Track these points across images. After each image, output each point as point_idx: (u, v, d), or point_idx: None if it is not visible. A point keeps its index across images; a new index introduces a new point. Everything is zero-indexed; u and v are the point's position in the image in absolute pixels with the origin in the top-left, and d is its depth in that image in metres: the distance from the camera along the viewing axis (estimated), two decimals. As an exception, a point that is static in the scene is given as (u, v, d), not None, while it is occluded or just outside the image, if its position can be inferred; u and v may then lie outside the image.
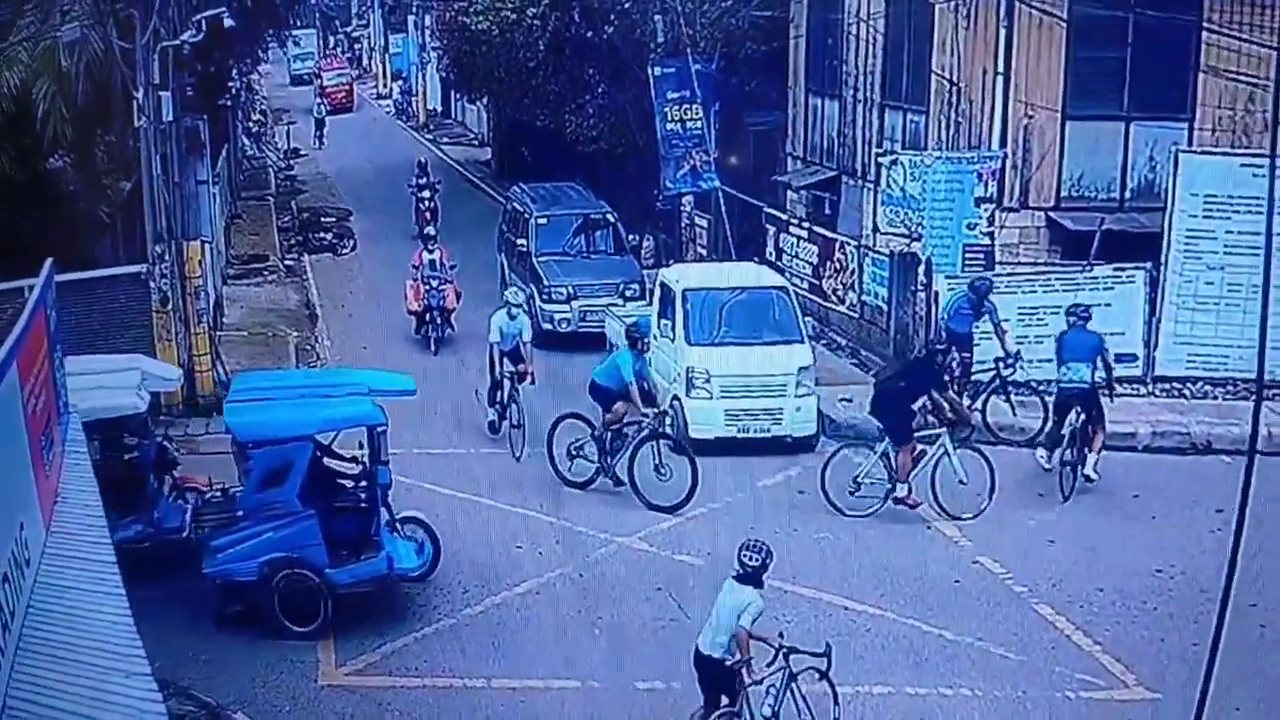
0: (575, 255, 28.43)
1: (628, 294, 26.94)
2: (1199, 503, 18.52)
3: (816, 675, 12.53)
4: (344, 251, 37.36)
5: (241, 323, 28.68)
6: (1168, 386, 22.90)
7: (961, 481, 18.33)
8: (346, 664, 14.81)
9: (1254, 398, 21.44)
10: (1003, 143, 24.36)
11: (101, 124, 23.91)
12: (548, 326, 26.83)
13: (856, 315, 25.60)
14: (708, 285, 22.36)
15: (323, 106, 62.32)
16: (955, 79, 24.77)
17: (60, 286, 13.66)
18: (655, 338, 22.22)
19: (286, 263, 35.08)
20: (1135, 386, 22.25)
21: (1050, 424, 20.01)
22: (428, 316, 27.04)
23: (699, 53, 29.79)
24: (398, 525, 16.40)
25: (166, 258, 22.11)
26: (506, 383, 21.66)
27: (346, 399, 16.33)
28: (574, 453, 19.60)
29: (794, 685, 12.43)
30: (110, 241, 25.76)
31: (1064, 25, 24.05)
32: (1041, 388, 21.18)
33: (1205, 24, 23.86)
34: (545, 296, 27.13)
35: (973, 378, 21.61)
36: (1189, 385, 22.75)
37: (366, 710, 14.01)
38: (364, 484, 16.44)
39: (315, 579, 15.45)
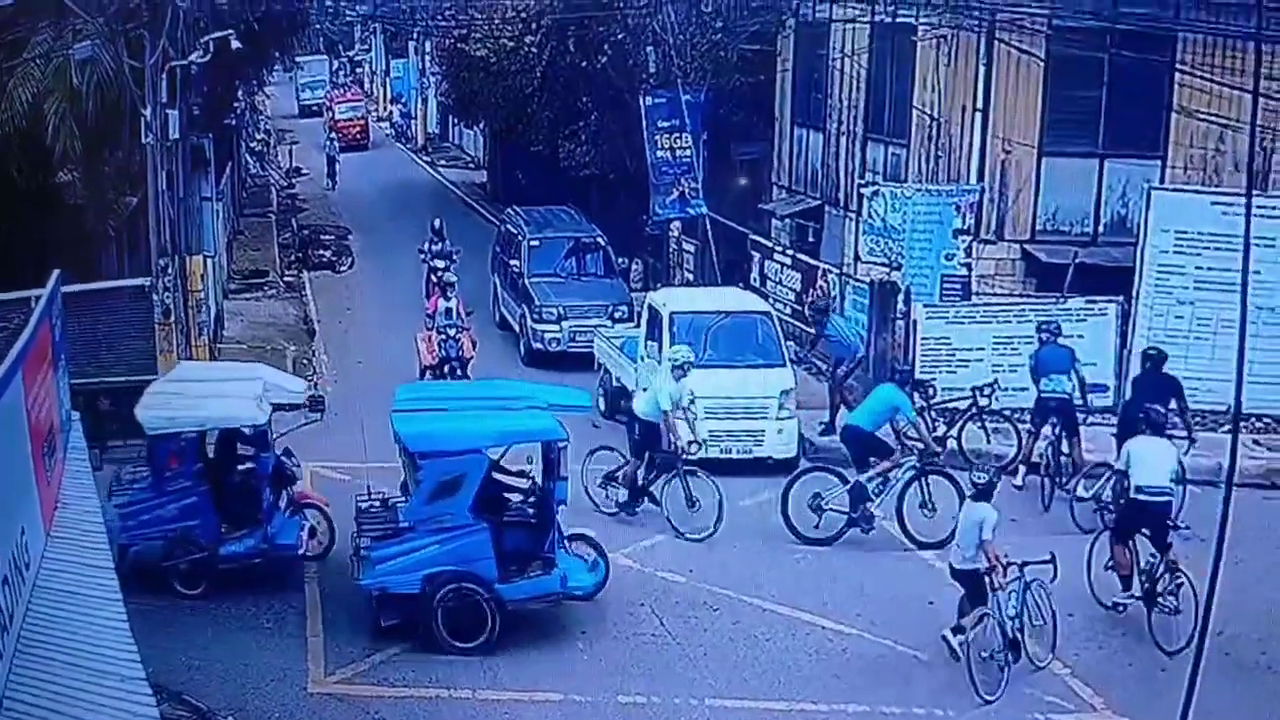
0: (566, 277, 28.86)
1: (616, 316, 27.34)
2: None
3: (1048, 579, 14.76)
4: (342, 269, 37.79)
5: (241, 336, 28.99)
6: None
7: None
8: (336, 673, 14.77)
9: (1230, 429, 21.77)
10: (981, 177, 24.98)
11: (110, 140, 24.17)
12: (538, 346, 27.39)
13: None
14: (694, 309, 22.74)
15: (335, 143, 56.43)
16: (936, 114, 25.36)
17: (65, 297, 13.90)
18: (642, 359, 22.69)
19: (286, 279, 35.45)
20: (1106, 417, 22.42)
21: (1027, 438, 20.50)
22: (445, 369, 24.48)
23: (689, 84, 30.22)
24: (566, 542, 16.17)
25: (169, 271, 22.38)
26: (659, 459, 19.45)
27: (526, 413, 16.07)
28: (818, 506, 18.59)
29: (1030, 590, 14.65)
30: (115, 255, 26.04)
31: (1042, 64, 24.64)
32: (1015, 416, 21.55)
33: (1178, 66, 24.48)
34: (536, 317, 27.59)
35: (949, 405, 22.08)
36: (1159, 416, 23.15)
37: (355, 719, 14.00)
38: (534, 499, 16.13)
39: (484, 594, 15.19)
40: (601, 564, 16.40)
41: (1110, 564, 16.25)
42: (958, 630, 14.66)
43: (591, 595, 16.10)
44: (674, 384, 19.25)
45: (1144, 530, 16.01)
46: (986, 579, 14.54)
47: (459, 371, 24.26)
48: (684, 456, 19.08)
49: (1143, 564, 15.96)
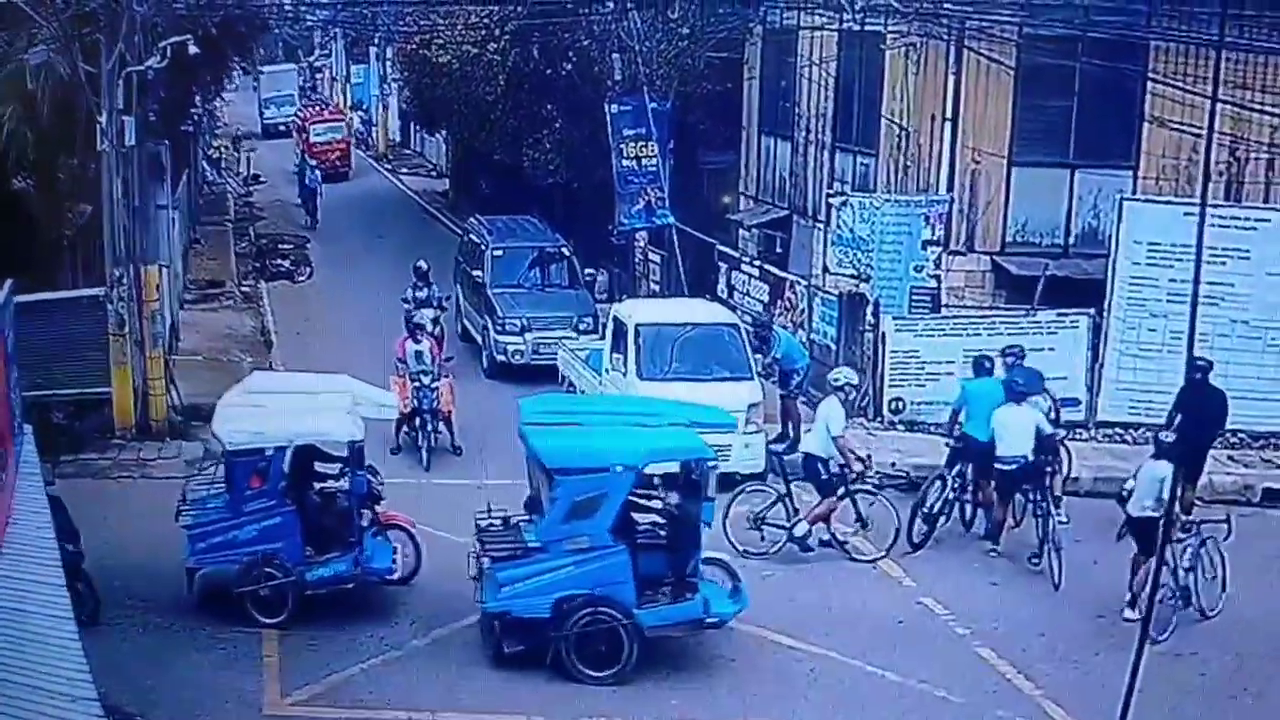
0: (530, 288, 28.56)
1: (581, 327, 27.09)
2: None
3: (1221, 538, 16.47)
4: (301, 279, 37.36)
5: (197, 348, 28.61)
6: (1110, 432, 23.17)
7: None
8: (291, 694, 14.60)
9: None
10: (950, 187, 24.76)
11: (64, 147, 23.84)
12: (501, 358, 27.04)
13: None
14: (660, 321, 22.56)
15: (314, 170, 46.97)
16: (905, 123, 25.18)
17: (17, 307, 13.55)
18: (607, 371, 22.47)
19: (243, 289, 35.12)
20: (1077, 431, 22.45)
21: None
22: (417, 421, 22.13)
23: (655, 91, 30.05)
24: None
25: (124, 281, 22.11)
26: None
27: (669, 430, 15.54)
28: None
29: (1205, 544, 16.38)
30: (69, 264, 25.74)
31: (1011, 74, 24.45)
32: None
33: (1150, 75, 24.32)
34: (499, 328, 27.25)
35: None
36: (1131, 431, 22.96)
37: (311, 741, 13.88)
38: (668, 520, 15.61)
39: (621, 620, 14.67)
40: (742, 590, 15.69)
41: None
42: (1133, 604, 16.31)
43: (722, 623, 15.44)
44: (839, 406, 18.55)
45: (1016, 494, 18.46)
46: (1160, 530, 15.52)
47: (430, 427, 22.10)
48: (864, 475, 18.68)
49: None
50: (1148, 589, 15.02)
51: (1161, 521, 14.89)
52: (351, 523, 16.25)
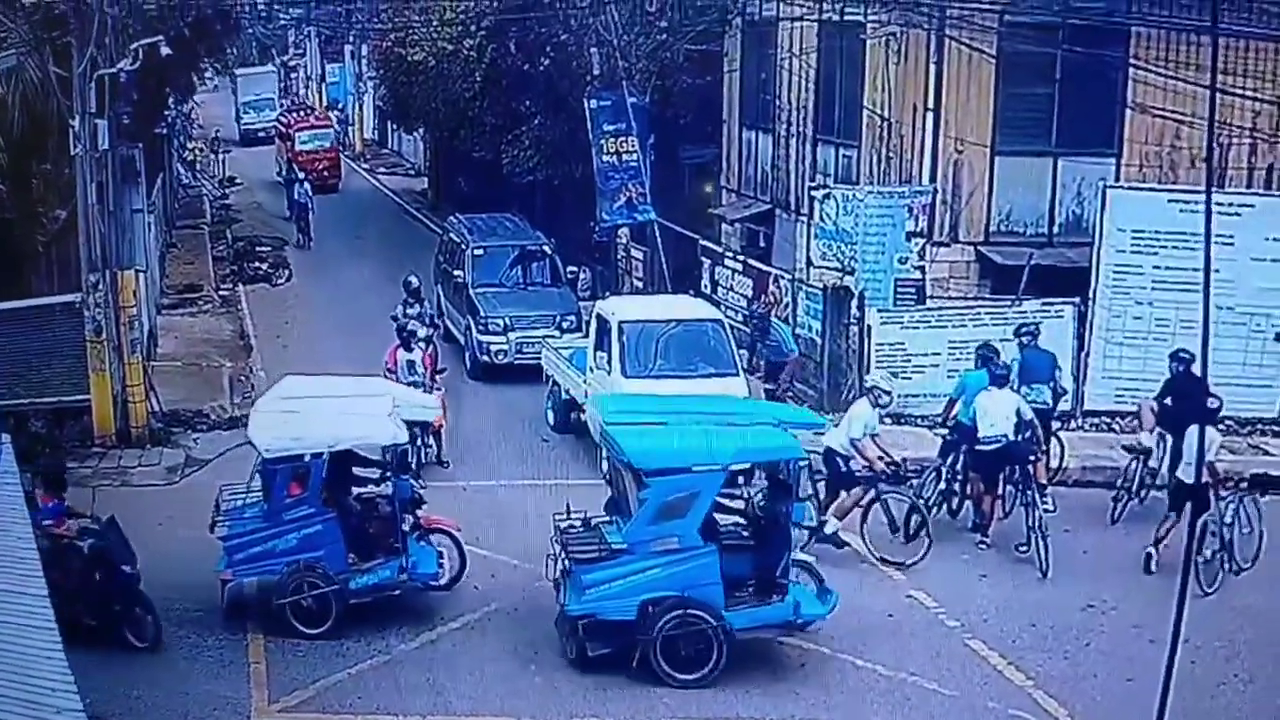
0: (512, 287, 28.41)
1: (564, 326, 26.96)
2: (1129, 537, 18.74)
3: (1258, 495, 17.82)
4: (279, 282, 37.08)
5: (176, 353, 28.48)
6: (1096, 421, 23.21)
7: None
8: (280, 700, 14.49)
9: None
10: (933, 178, 24.70)
11: (37, 152, 23.71)
12: (484, 358, 26.88)
13: (791, 348, 25.77)
14: (644, 318, 22.44)
15: (304, 184, 42.96)
16: (886, 114, 25.07)
17: None
18: (591, 369, 22.33)
19: (221, 293, 34.88)
20: (1064, 421, 22.45)
21: None
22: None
23: (634, 85, 29.96)
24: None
25: (101, 287, 21.96)
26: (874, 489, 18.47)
27: (759, 429, 15.40)
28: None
29: (1244, 503, 17.60)
30: (45, 270, 25.56)
31: (993, 62, 24.40)
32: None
33: (1132, 61, 24.32)
34: (481, 328, 27.09)
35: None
36: (1118, 420, 22.96)
37: (300, 747, 13.79)
38: (751, 520, 15.42)
39: (710, 622, 14.48)
40: (832, 592, 15.44)
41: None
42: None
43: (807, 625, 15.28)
44: (871, 410, 18.32)
45: (999, 477, 18.54)
46: (1210, 491, 17.12)
47: (420, 440, 20.73)
48: (887, 474, 18.35)
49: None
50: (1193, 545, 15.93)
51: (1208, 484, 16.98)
52: (395, 528, 16.00)
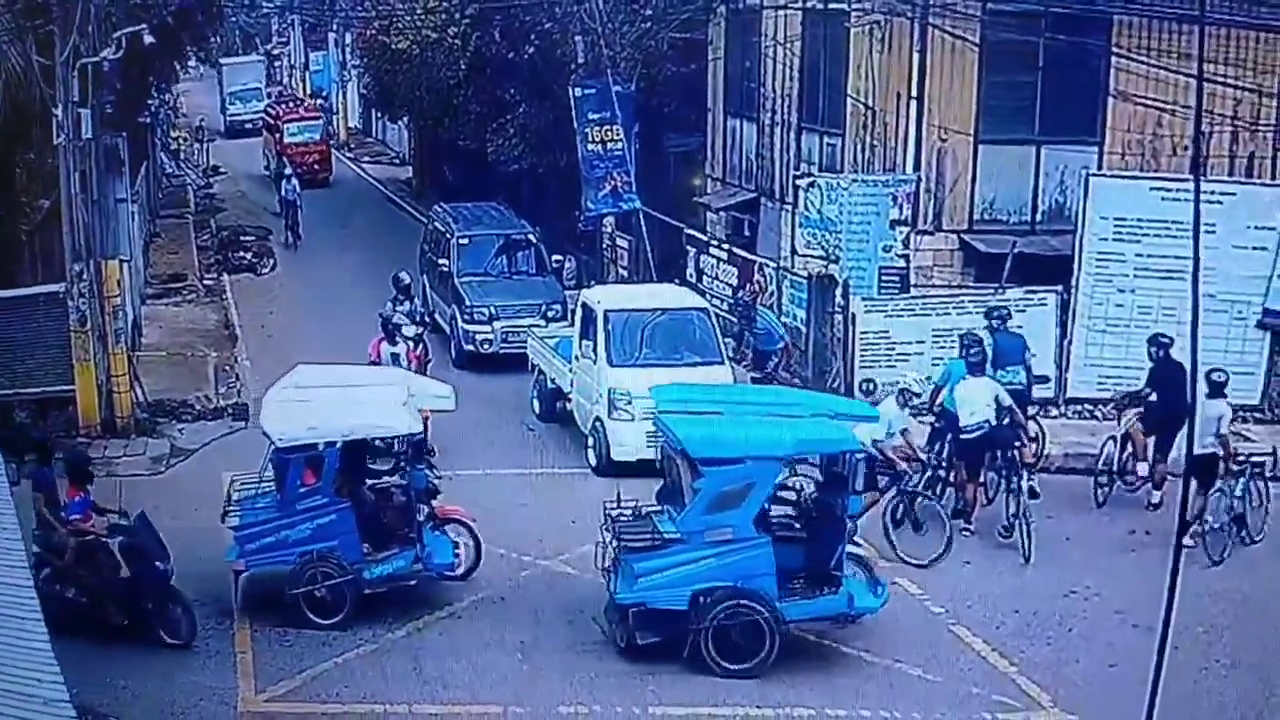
0: (497, 276, 28.38)
1: (550, 315, 26.92)
2: (1112, 523, 18.87)
3: (1268, 469, 18.71)
4: (264, 271, 37.03)
5: (160, 343, 28.46)
6: (1079, 408, 23.26)
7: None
8: (267, 690, 14.54)
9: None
10: (917, 166, 24.64)
11: (20, 141, 23.70)
12: (469, 348, 26.87)
13: (776, 336, 25.78)
14: (629, 306, 22.41)
15: (292, 179, 40.77)
16: (870, 103, 25.04)
17: None
18: (577, 358, 22.34)
19: (206, 282, 34.84)
20: (1047, 408, 22.50)
21: None
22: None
23: (619, 74, 29.85)
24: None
25: (85, 277, 21.93)
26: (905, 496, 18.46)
27: (816, 421, 15.29)
28: None
29: (1255, 478, 18.25)
30: (29, 260, 25.54)
31: (976, 50, 24.37)
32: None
33: (1114, 49, 24.33)
34: (467, 317, 27.08)
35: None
36: (1100, 407, 22.96)
37: (288, 737, 13.80)
38: (812, 512, 15.35)
39: (763, 612, 14.48)
40: (883, 585, 15.49)
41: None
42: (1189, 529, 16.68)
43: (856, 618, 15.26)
44: (897, 410, 18.33)
45: (982, 463, 18.60)
46: (1220, 464, 17.76)
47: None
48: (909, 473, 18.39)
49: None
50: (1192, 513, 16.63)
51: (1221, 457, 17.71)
52: (410, 518, 15.98)
